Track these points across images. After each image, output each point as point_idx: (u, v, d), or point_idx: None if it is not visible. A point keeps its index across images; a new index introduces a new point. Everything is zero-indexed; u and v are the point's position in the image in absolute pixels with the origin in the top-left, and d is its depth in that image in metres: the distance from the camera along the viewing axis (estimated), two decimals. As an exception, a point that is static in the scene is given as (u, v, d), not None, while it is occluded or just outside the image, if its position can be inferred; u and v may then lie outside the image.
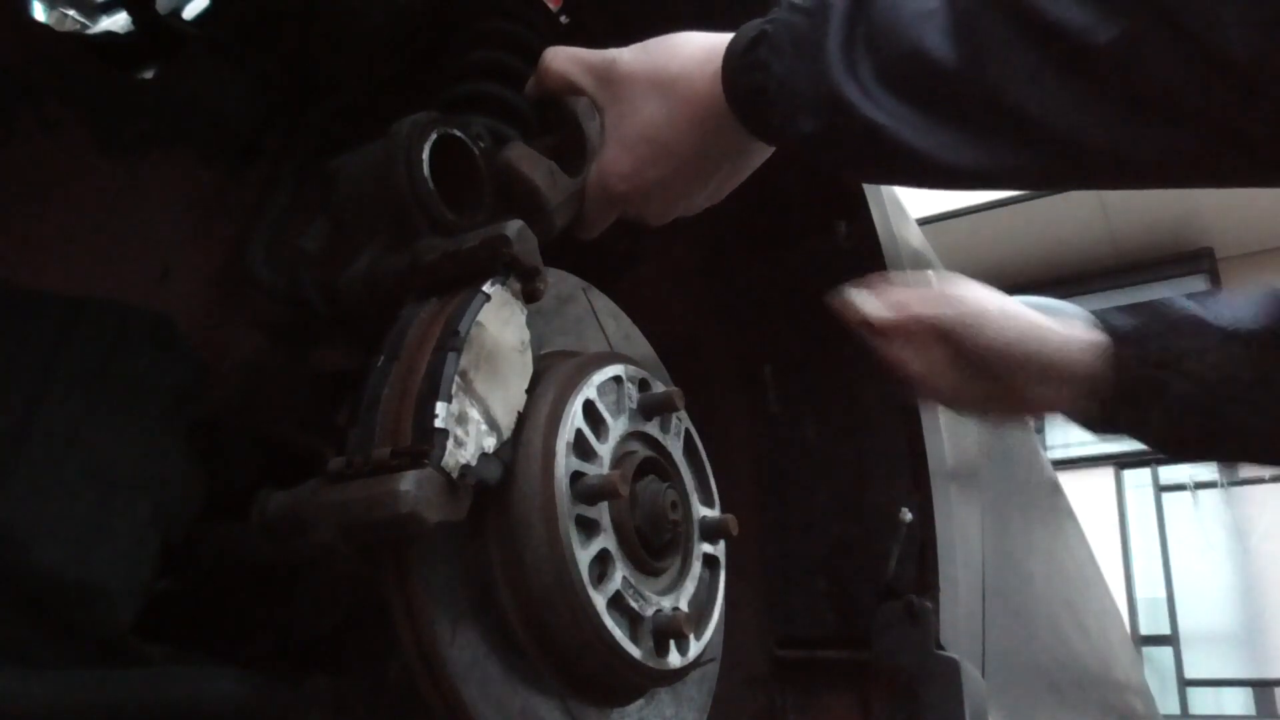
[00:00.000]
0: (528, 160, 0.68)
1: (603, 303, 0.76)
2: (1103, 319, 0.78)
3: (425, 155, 0.64)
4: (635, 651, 0.59)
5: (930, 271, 0.95)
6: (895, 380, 0.82)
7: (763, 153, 0.73)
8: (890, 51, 0.57)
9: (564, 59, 0.73)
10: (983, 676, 0.99)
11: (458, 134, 0.67)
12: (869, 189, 1.01)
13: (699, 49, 0.69)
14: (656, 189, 0.72)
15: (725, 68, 0.66)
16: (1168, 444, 0.77)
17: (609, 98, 0.71)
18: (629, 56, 0.71)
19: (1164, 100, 0.49)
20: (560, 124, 0.74)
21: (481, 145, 0.69)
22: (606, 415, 0.63)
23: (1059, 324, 0.78)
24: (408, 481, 0.50)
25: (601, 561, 0.59)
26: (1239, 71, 0.45)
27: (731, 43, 0.66)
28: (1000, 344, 0.77)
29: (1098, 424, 0.78)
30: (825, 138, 0.62)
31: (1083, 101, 0.51)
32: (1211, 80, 0.47)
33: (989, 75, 0.53)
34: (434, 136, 0.65)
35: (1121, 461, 6.14)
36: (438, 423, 0.53)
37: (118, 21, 1.09)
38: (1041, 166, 0.56)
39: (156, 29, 0.77)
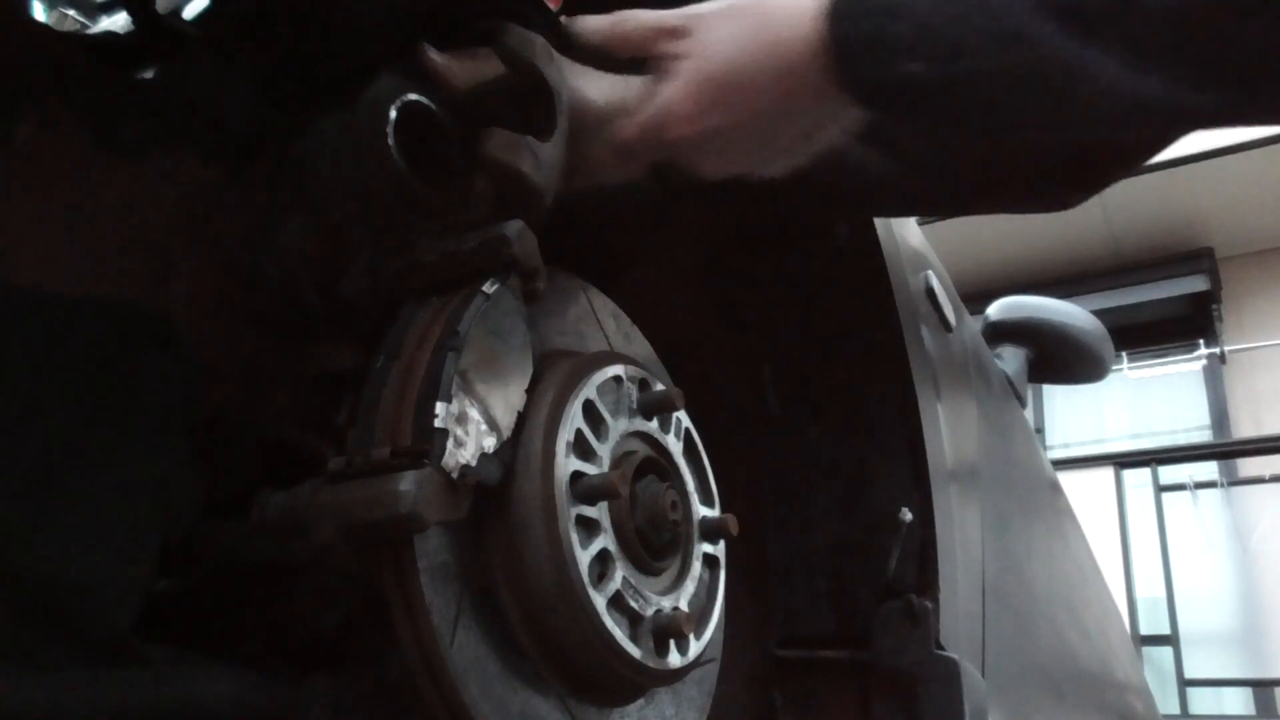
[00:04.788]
0: (507, 148, 0.64)
1: (602, 303, 0.76)
2: None
3: (390, 132, 0.61)
4: (635, 651, 0.59)
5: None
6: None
7: (834, 126, 0.68)
8: None
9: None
10: (983, 676, 0.99)
11: (423, 101, 0.64)
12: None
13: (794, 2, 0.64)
14: (716, 137, 0.66)
15: (838, 15, 0.61)
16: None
17: (683, 31, 0.66)
18: (709, 4, 0.68)
19: None
20: (515, 68, 0.67)
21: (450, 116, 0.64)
22: (606, 415, 0.63)
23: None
24: (408, 481, 0.50)
25: (601, 561, 0.59)
26: None
27: None
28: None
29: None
30: (991, 76, 0.57)
31: None
32: None
33: (1205, 16, 0.50)
34: (394, 114, 0.61)
35: (1121, 461, 6.14)
36: (438, 423, 0.53)
37: (118, 21, 1.09)
38: (1269, 107, 0.55)
39: (156, 29, 0.77)
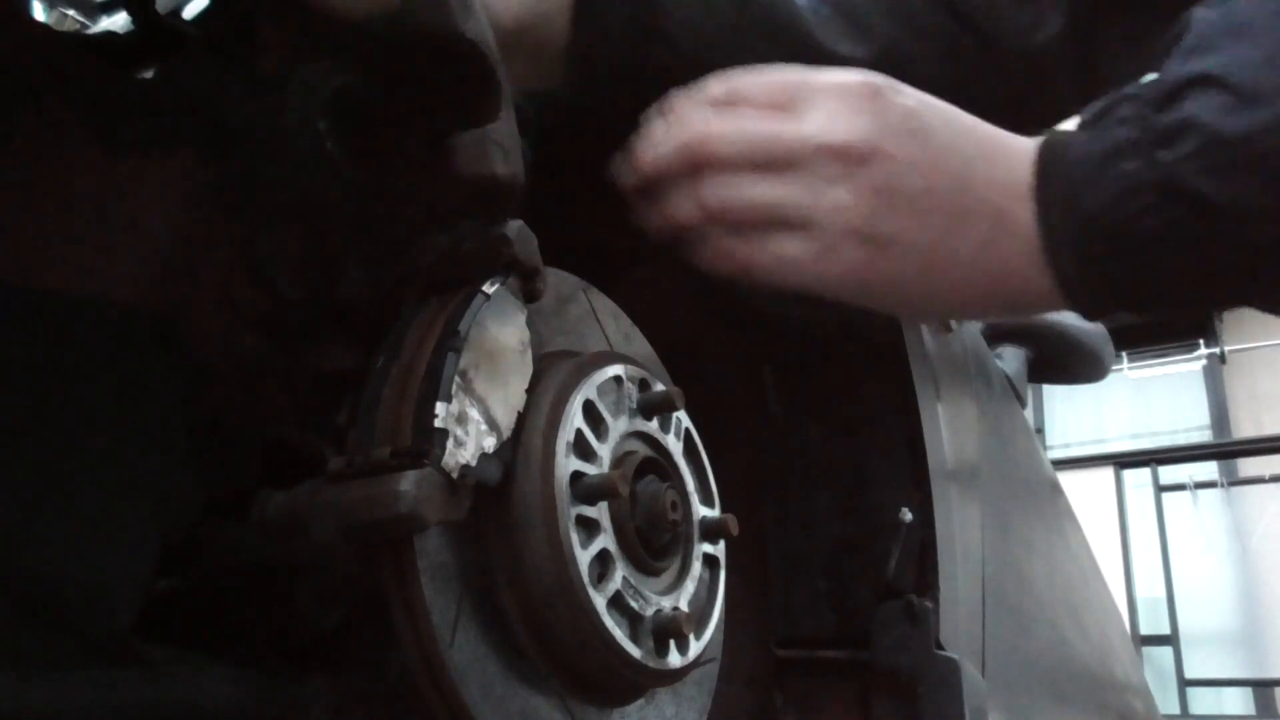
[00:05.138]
0: (475, 160, 0.60)
1: (603, 303, 0.76)
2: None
3: (321, 119, 0.59)
4: (635, 651, 0.59)
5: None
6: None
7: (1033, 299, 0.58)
8: None
9: None
10: (983, 676, 0.99)
11: (356, 82, 0.61)
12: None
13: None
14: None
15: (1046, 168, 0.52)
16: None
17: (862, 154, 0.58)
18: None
19: None
20: (435, 41, 0.56)
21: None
22: (606, 415, 0.63)
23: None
24: (408, 481, 0.50)
25: (601, 561, 0.59)
26: None
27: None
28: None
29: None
30: None
31: None
32: None
33: None
34: (324, 100, 0.59)
35: (1121, 461, 6.15)
36: (438, 423, 0.53)
37: (118, 21, 1.09)
38: None
39: (156, 29, 0.77)
